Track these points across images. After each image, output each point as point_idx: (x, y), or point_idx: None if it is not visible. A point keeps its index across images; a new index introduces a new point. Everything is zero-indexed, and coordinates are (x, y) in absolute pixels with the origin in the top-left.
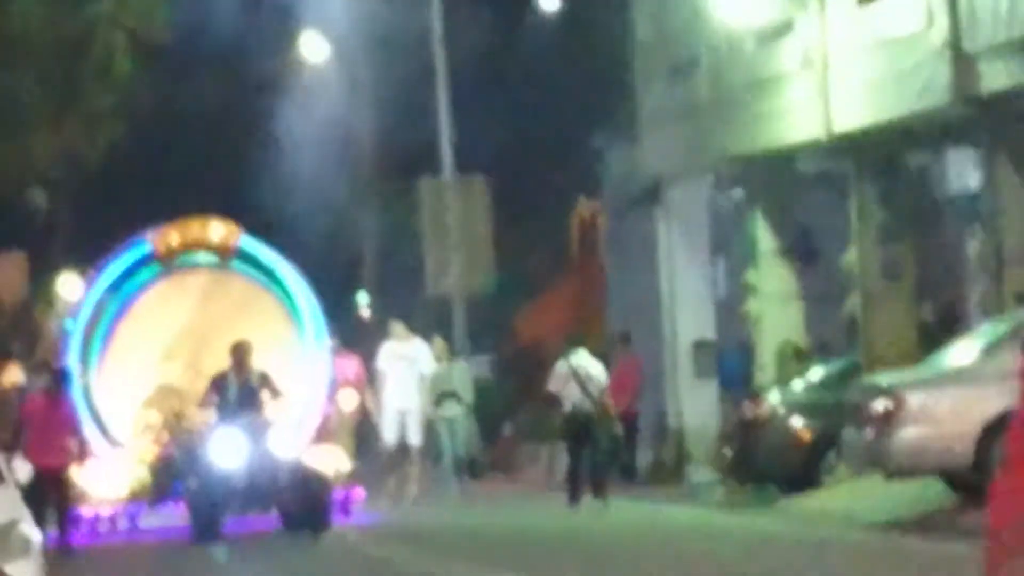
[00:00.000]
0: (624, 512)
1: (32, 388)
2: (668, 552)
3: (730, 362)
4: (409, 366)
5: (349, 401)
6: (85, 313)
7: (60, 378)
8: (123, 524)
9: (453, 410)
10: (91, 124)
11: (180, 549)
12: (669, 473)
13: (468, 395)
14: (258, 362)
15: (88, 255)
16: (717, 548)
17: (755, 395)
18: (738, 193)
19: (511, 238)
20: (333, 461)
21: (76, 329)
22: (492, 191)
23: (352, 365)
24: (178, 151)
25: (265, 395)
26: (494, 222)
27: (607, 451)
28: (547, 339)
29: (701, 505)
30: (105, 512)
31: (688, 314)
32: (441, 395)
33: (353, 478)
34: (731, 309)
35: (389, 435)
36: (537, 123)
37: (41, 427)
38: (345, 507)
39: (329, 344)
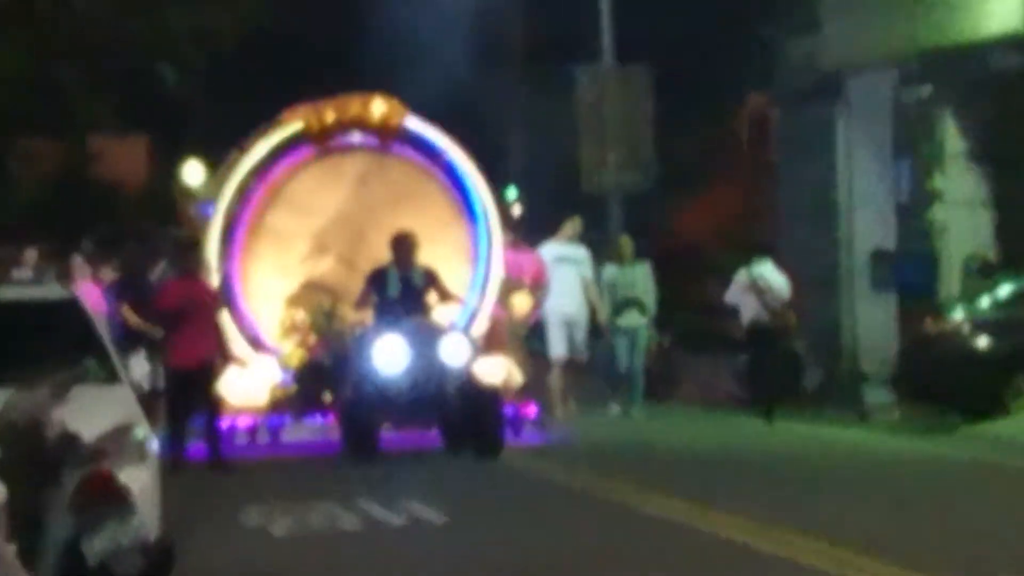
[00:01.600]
0: (793, 434)
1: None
2: (839, 478)
3: (911, 274)
4: (574, 269)
5: (523, 305)
6: (226, 196)
7: (195, 265)
8: (264, 437)
9: (635, 320)
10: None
11: (328, 466)
12: (841, 393)
13: (651, 302)
14: (423, 257)
15: (217, 142)
16: (891, 475)
17: (937, 311)
18: (926, 89)
19: (673, 133)
20: (504, 373)
21: (216, 214)
22: (655, 82)
23: (529, 262)
24: (317, 34)
25: (431, 295)
26: (655, 115)
27: (782, 370)
28: (709, 242)
29: (876, 428)
30: (243, 423)
31: (867, 220)
32: (623, 302)
33: (525, 392)
34: (914, 216)
35: (558, 347)
36: (704, 6)
37: (182, 320)
38: (516, 425)
39: (502, 239)
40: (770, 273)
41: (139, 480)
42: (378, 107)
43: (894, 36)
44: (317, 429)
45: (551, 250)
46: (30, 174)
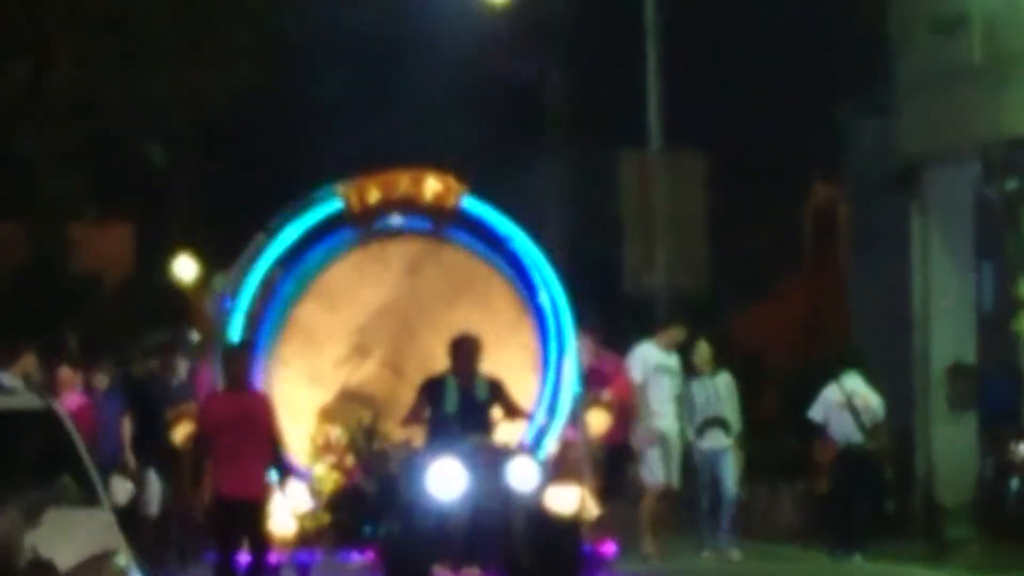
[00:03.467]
0: (862, 569)
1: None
2: None
3: (994, 391)
4: (672, 381)
5: (600, 422)
6: (250, 288)
7: (243, 372)
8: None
9: (720, 441)
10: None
11: None
12: (916, 525)
13: (737, 419)
14: (486, 364)
15: (210, 231)
16: None
17: (1023, 433)
18: (1011, 184)
19: (730, 226)
20: (576, 504)
21: (237, 310)
22: (708, 168)
23: (612, 371)
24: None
25: (496, 411)
26: (710, 206)
27: (874, 498)
28: (769, 352)
29: (954, 566)
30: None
31: (945, 330)
32: (706, 421)
33: (602, 527)
34: (998, 326)
35: (656, 471)
36: (766, 88)
37: (230, 441)
38: (592, 565)
39: (575, 344)
40: (862, 388)
41: None
42: (431, 185)
43: (977, 122)
44: (355, 568)
45: (648, 355)
46: None
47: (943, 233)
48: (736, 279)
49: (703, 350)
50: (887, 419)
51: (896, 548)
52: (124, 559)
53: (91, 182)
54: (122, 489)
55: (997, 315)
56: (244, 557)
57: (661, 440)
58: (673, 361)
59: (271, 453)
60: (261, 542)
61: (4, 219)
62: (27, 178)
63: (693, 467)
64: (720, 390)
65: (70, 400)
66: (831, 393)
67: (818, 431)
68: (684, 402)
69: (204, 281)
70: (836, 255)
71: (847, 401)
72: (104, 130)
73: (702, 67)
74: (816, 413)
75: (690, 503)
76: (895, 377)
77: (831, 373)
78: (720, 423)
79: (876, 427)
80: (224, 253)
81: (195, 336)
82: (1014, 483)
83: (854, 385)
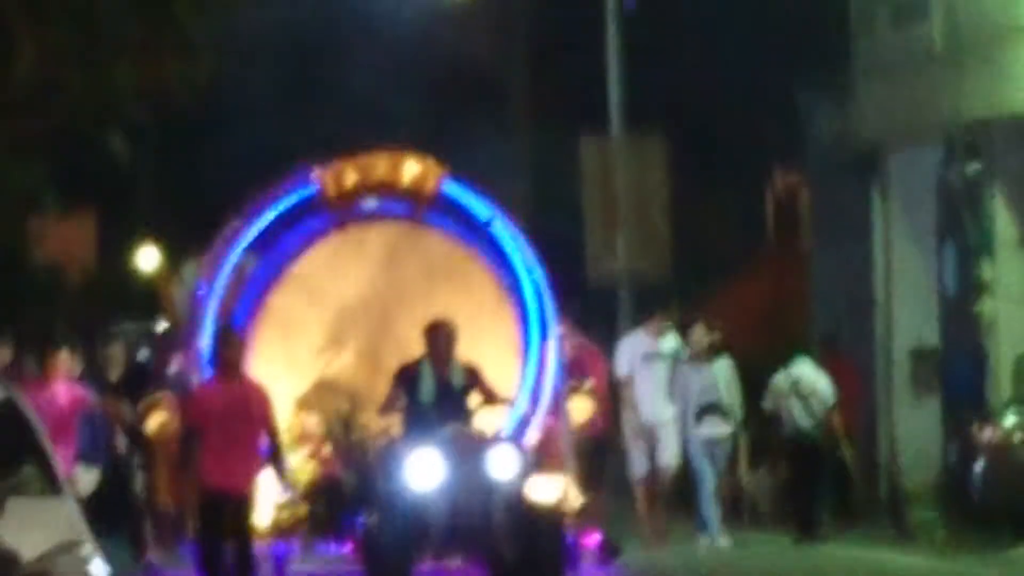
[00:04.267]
0: (826, 555)
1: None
2: None
3: (958, 374)
4: (663, 367)
5: (581, 411)
6: (223, 276)
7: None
8: (267, 568)
9: (718, 427)
10: (184, 57)
11: None
12: (881, 509)
13: (737, 405)
14: (463, 350)
15: (173, 219)
16: None
17: (987, 417)
18: (973, 167)
19: (692, 212)
20: (559, 493)
21: (210, 298)
22: (670, 153)
23: (591, 359)
24: (286, 90)
25: (473, 397)
26: (671, 192)
27: (832, 483)
28: (732, 339)
29: (920, 549)
30: None
31: (908, 314)
32: (702, 408)
33: (586, 517)
34: (960, 309)
35: (635, 463)
36: (727, 72)
37: (218, 432)
38: (574, 556)
39: (557, 331)
40: (811, 374)
41: None
42: (410, 168)
43: (938, 105)
44: (332, 560)
45: (635, 346)
46: None
47: (905, 217)
48: (698, 265)
49: (698, 335)
50: (851, 402)
51: (861, 532)
52: (88, 549)
53: (53, 173)
54: (86, 479)
55: (960, 298)
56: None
57: (647, 431)
58: (666, 347)
59: (266, 445)
60: (246, 535)
61: None
62: None
63: (690, 454)
64: (718, 376)
65: (65, 389)
66: (778, 381)
67: (773, 419)
68: (679, 388)
69: (172, 270)
70: (798, 239)
71: (793, 388)
72: (66, 121)
73: (663, 51)
74: (767, 403)
75: (686, 490)
76: (859, 362)
77: (783, 360)
78: (717, 409)
79: (827, 413)
80: (187, 242)
81: (161, 324)
82: (978, 466)
83: (801, 371)
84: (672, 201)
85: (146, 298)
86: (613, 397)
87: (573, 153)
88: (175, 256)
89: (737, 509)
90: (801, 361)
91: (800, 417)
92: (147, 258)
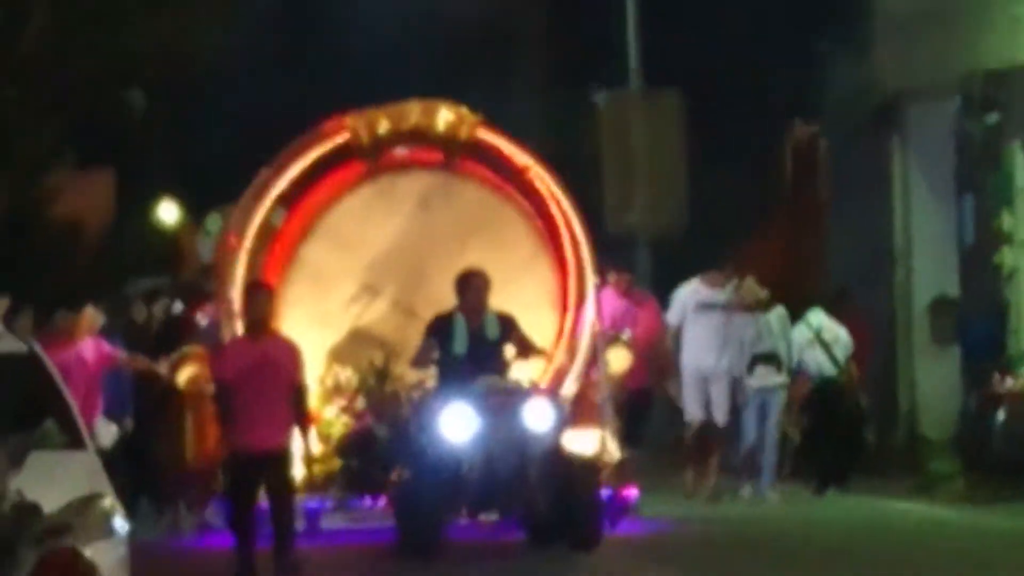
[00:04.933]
0: (847, 506)
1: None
2: (899, 556)
3: (976, 326)
4: (718, 317)
5: (620, 361)
6: (252, 226)
7: (268, 315)
8: (298, 524)
9: (770, 378)
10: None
11: (378, 562)
12: (899, 459)
13: (789, 357)
14: (498, 301)
15: (189, 173)
16: (953, 552)
17: (1006, 367)
18: (991, 117)
19: (709, 166)
20: (597, 447)
21: (241, 251)
22: (687, 108)
23: (641, 308)
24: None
25: (507, 349)
26: (688, 146)
27: (852, 431)
28: None
29: (937, 500)
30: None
31: (926, 265)
32: (755, 358)
33: (625, 471)
34: (979, 260)
35: (692, 408)
36: (744, 25)
37: (247, 391)
38: (613, 512)
39: (595, 280)
40: (828, 323)
41: (107, 558)
42: (444, 115)
43: (957, 56)
44: (365, 515)
45: (688, 295)
46: None
47: (923, 168)
48: (716, 219)
49: (751, 285)
50: (867, 353)
51: (879, 483)
52: (109, 502)
53: (69, 130)
54: (106, 432)
55: (979, 249)
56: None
57: (701, 375)
58: (723, 296)
59: (295, 403)
60: (285, 492)
61: None
62: (3, 127)
63: (741, 404)
64: (773, 326)
65: (91, 346)
66: (799, 333)
67: (794, 372)
68: (731, 338)
69: (191, 224)
70: (816, 192)
71: (816, 336)
72: (82, 78)
73: (680, 4)
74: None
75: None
76: (877, 313)
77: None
78: (771, 359)
79: (848, 360)
80: (204, 198)
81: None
82: (997, 417)
83: (820, 320)
84: (689, 155)
85: (164, 253)
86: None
87: (590, 110)
88: (193, 211)
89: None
90: (817, 312)
91: (824, 365)
92: (166, 213)
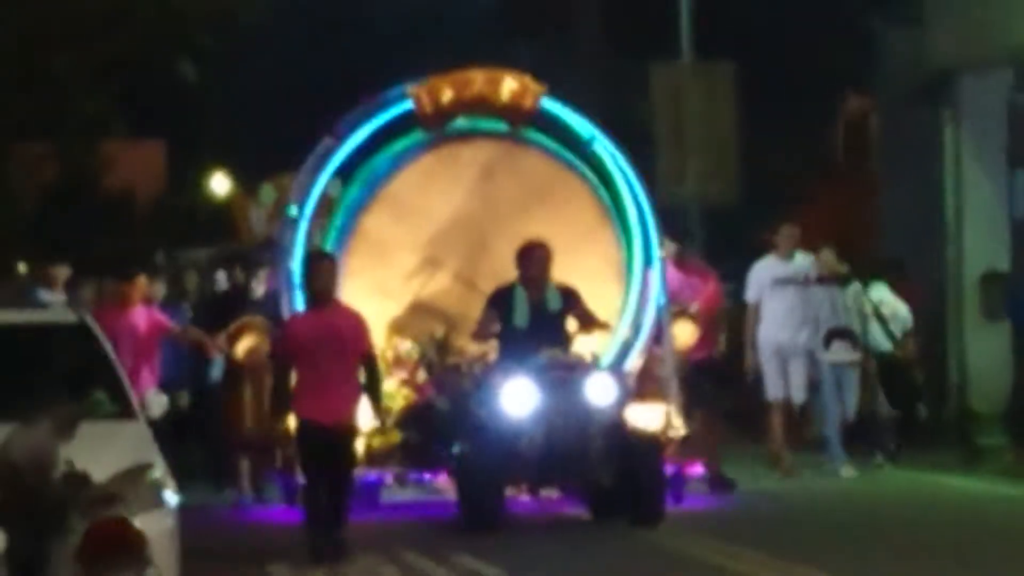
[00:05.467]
0: (898, 480)
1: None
2: (946, 530)
3: None
4: (796, 290)
5: (685, 335)
6: (313, 196)
7: (331, 287)
8: (358, 497)
9: (846, 354)
10: None
11: (438, 536)
12: (949, 433)
13: (863, 332)
14: (560, 273)
15: (240, 148)
16: (1003, 526)
17: None
18: None
19: (762, 137)
20: (660, 421)
21: (302, 221)
22: (739, 79)
23: (702, 283)
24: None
25: (570, 322)
26: (741, 117)
27: (907, 407)
28: None
29: (987, 474)
30: None
31: (977, 239)
32: (830, 333)
33: (690, 446)
34: None
35: (773, 386)
36: None
37: (313, 364)
38: (676, 488)
39: (661, 253)
40: (889, 297)
41: (155, 528)
42: (508, 84)
43: (1011, 29)
44: (426, 489)
45: (763, 271)
46: (29, 183)
47: (975, 141)
48: (768, 190)
49: (827, 258)
50: (917, 327)
51: (929, 456)
52: (159, 472)
53: (122, 100)
54: (157, 403)
55: None
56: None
57: (780, 356)
58: (801, 268)
59: (367, 371)
60: (347, 468)
61: (35, 138)
62: (58, 96)
63: (817, 380)
64: (849, 301)
65: (144, 314)
66: (861, 303)
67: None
68: (808, 313)
69: (245, 193)
70: (868, 166)
71: (875, 311)
72: (134, 47)
73: None
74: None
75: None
76: (927, 287)
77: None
78: (847, 335)
79: (905, 335)
80: (257, 167)
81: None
82: None
83: (881, 295)
84: (742, 126)
85: (216, 223)
86: (733, 322)
87: (643, 81)
88: (245, 181)
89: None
90: (878, 285)
91: (881, 340)
92: (218, 184)
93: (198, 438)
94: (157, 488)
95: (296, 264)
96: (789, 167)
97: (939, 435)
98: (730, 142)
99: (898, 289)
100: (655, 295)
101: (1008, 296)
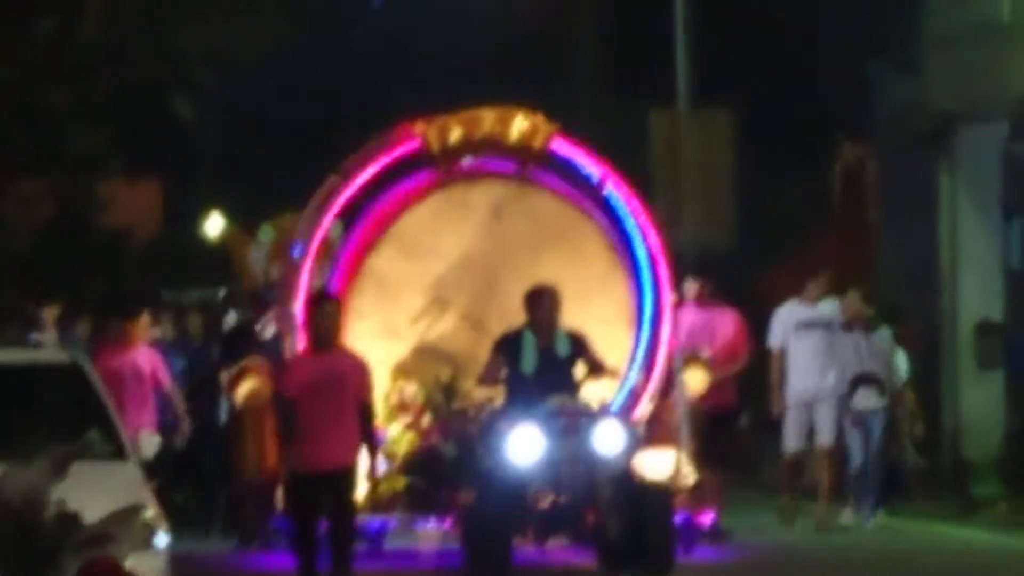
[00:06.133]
0: (887, 530)
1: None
2: None
3: (1021, 350)
4: (822, 335)
5: (697, 381)
6: (317, 237)
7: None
8: (361, 543)
9: (871, 401)
10: (249, 19)
11: None
12: (943, 482)
13: (895, 376)
14: (570, 317)
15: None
16: None
17: None
18: None
19: (758, 184)
20: (670, 469)
21: (307, 260)
22: (738, 127)
23: (725, 323)
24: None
25: (579, 368)
26: (738, 164)
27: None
28: None
29: (981, 524)
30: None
31: (972, 288)
32: (857, 379)
33: (701, 495)
34: None
35: (790, 435)
36: (795, 45)
37: (312, 406)
38: (687, 538)
39: (671, 296)
40: (889, 343)
41: (146, 569)
42: (518, 124)
43: (1006, 79)
44: (432, 536)
45: (787, 315)
46: (23, 220)
47: (971, 190)
48: (764, 237)
49: (853, 301)
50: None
51: (923, 505)
52: (151, 513)
53: (118, 137)
54: (149, 444)
55: None
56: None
57: (804, 404)
58: (826, 313)
59: (361, 420)
60: (348, 513)
61: (30, 175)
62: (53, 133)
63: (846, 426)
64: (875, 346)
65: (144, 354)
66: None
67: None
68: (835, 357)
69: (241, 234)
70: (864, 213)
71: None
72: (131, 84)
73: (731, 23)
74: None
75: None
76: (922, 335)
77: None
78: (873, 381)
79: (904, 385)
80: (254, 207)
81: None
82: None
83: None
84: (739, 173)
85: (212, 265)
86: (757, 369)
87: (639, 126)
88: (243, 221)
89: (895, 488)
90: (880, 331)
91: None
92: (213, 225)
93: (196, 481)
94: (148, 529)
95: (299, 305)
96: (787, 215)
97: (934, 484)
98: (727, 189)
99: (898, 336)
100: (666, 340)
101: (1003, 346)
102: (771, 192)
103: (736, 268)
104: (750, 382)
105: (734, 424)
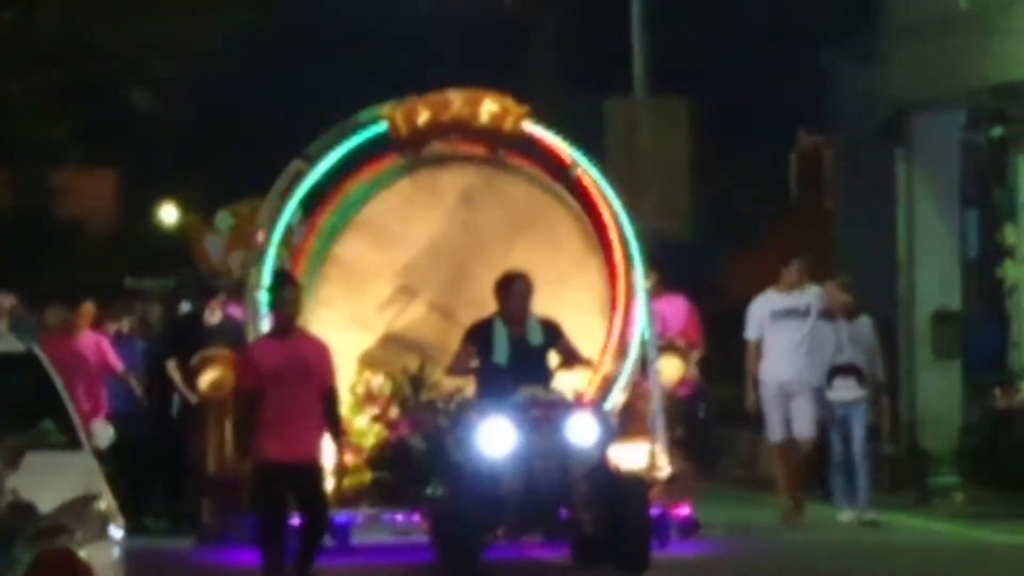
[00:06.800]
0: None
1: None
2: (897, 571)
3: (979, 338)
4: (799, 323)
5: (671, 370)
6: (281, 223)
7: (295, 314)
8: (327, 539)
9: (850, 392)
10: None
11: None
12: (901, 473)
13: (875, 367)
14: (543, 305)
15: (195, 177)
16: (953, 567)
17: (1008, 381)
18: (997, 130)
19: (715, 174)
20: (645, 461)
21: (270, 247)
22: (694, 116)
23: (675, 312)
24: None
25: (552, 357)
26: (696, 153)
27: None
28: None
29: (938, 515)
30: (297, 520)
31: (929, 277)
32: (835, 369)
33: (677, 487)
34: (982, 273)
35: (773, 426)
36: (752, 34)
37: (275, 396)
38: (663, 530)
39: (646, 283)
40: (871, 335)
41: (101, 559)
42: (488, 106)
43: (963, 69)
44: (400, 530)
45: (763, 306)
46: None
47: (929, 180)
48: (722, 227)
49: (835, 292)
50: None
51: (880, 496)
52: (105, 503)
53: (75, 128)
54: (104, 433)
55: (982, 262)
56: (294, 520)
57: (783, 394)
58: (804, 301)
59: (326, 408)
60: (320, 505)
61: None
62: (10, 123)
63: (825, 419)
64: (856, 336)
65: (91, 342)
66: None
67: None
68: (814, 347)
69: (198, 222)
70: (822, 202)
71: None
72: (89, 75)
73: (687, 13)
74: None
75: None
76: (879, 325)
77: None
78: (852, 371)
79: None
80: (211, 196)
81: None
82: (998, 430)
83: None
84: (696, 162)
85: (171, 253)
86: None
87: (597, 117)
88: (200, 210)
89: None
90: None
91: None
92: (168, 214)
93: (157, 474)
94: (103, 519)
95: (262, 291)
96: (744, 204)
97: (891, 474)
98: (684, 179)
99: None
100: (640, 328)
101: (961, 335)
102: (729, 182)
103: (694, 257)
104: (706, 369)
105: (694, 413)
